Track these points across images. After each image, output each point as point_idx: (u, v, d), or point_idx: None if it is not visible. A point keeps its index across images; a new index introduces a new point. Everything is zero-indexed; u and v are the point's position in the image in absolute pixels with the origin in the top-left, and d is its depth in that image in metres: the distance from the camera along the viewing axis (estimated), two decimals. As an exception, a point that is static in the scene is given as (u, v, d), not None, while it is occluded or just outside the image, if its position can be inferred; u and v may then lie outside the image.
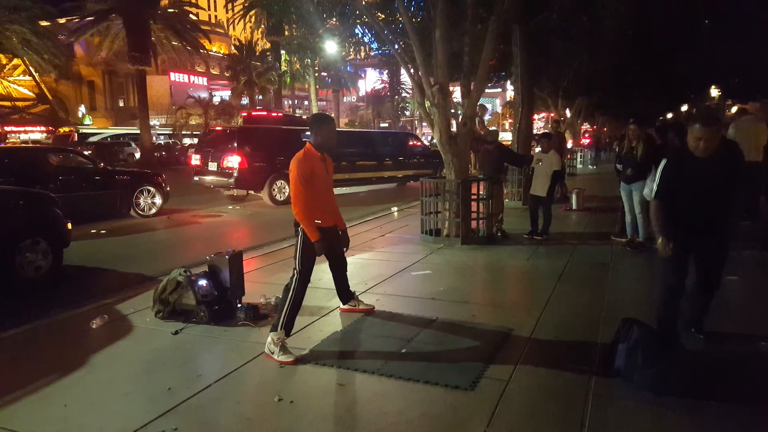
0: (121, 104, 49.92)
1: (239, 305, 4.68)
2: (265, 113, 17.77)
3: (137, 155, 29.86)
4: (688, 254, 3.65)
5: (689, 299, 3.88)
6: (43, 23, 31.98)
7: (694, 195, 3.51)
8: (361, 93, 61.12)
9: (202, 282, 4.60)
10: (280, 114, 18.91)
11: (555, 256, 6.96)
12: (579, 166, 22.01)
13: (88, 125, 40.39)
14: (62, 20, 35.92)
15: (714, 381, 3.36)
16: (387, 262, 6.69)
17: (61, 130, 33.04)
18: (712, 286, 3.82)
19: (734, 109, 17.93)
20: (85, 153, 15.59)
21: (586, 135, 32.54)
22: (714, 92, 29.91)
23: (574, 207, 10.97)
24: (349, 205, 12.34)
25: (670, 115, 37.41)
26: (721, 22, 18.01)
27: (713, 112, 4.03)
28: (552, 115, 21.25)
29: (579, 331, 4.27)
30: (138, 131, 30.62)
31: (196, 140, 34.41)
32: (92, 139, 31.24)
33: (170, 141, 36.56)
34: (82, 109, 45.05)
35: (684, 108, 38.34)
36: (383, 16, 9.81)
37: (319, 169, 4.01)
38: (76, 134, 31.33)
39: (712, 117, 3.38)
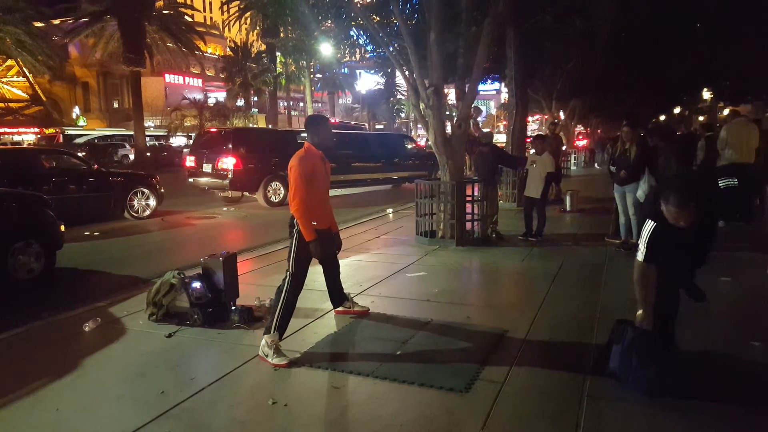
0: (116, 105, 49.74)
1: (233, 308, 4.66)
2: (334, 121, 21.06)
3: (131, 156, 29.73)
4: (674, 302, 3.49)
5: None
6: (38, 24, 31.84)
7: (675, 259, 3.39)
8: (358, 91, 61.19)
9: (196, 284, 4.58)
10: (336, 121, 22.60)
11: (549, 258, 6.97)
12: (573, 167, 22.11)
13: (81, 126, 40.22)
14: (56, 21, 35.82)
15: (707, 382, 3.37)
16: (382, 264, 6.68)
17: (47, 131, 32.85)
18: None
19: (726, 111, 18.04)
20: (78, 154, 15.48)
21: (580, 137, 32.68)
22: (706, 94, 30.08)
23: (568, 208, 11.00)
24: (344, 206, 12.33)
25: (663, 117, 37.58)
26: (713, 25, 18.11)
27: (685, 187, 3.69)
28: (546, 117, 21.33)
29: (573, 332, 4.28)
30: (128, 133, 30.51)
31: (185, 142, 34.38)
32: (78, 140, 31.02)
33: (156, 143, 35.91)
34: (77, 110, 44.86)
35: (677, 110, 38.53)
36: (378, 19, 9.83)
37: (319, 169, 4.01)
38: (61, 135, 31.13)
39: (685, 197, 3.15)
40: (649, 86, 21.97)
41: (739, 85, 24.94)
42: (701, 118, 34.48)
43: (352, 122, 31.76)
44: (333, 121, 18.29)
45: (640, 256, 3.39)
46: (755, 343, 3.97)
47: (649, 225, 3.38)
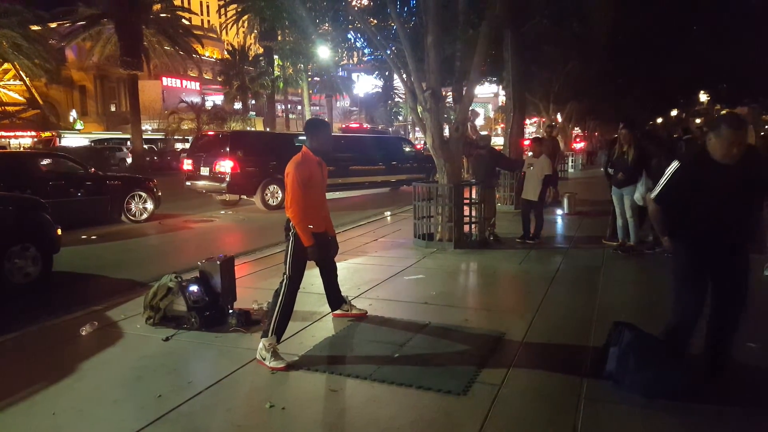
0: (113, 109, 49.59)
1: (231, 311, 4.65)
2: (358, 125, 25.67)
3: (129, 160, 29.62)
4: (704, 270, 3.29)
5: (712, 321, 3.42)
6: (34, 27, 31.80)
7: (712, 204, 3.16)
8: (356, 94, 61.30)
9: (193, 288, 4.57)
10: (367, 126, 26.07)
11: (547, 260, 6.98)
12: (571, 170, 22.16)
13: (79, 130, 40.10)
14: (53, 25, 35.75)
15: (704, 383, 3.37)
16: (380, 267, 6.68)
17: (43, 134, 32.72)
18: (737, 302, 3.33)
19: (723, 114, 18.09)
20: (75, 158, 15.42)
21: (577, 139, 32.77)
22: (703, 97, 30.18)
23: (566, 211, 11.02)
24: (342, 209, 12.34)
25: (660, 120, 37.68)
26: (709, 29, 18.20)
27: (737, 114, 3.62)
28: (544, 119, 21.38)
29: (571, 334, 4.28)
30: (126, 136, 30.43)
31: (182, 145, 34.15)
32: (73, 144, 30.87)
33: (144, 147, 35.32)
34: (74, 113, 44.76)
35: (674, 113, 38.62)
36: (375, 22, 9.83)
37: (316, 174, 4.02)
38: (57, 139, 31.01)
39: (740, 120, 3.09)
40: (646, 89, 22.04)
41: (736, 88, 25.02)
42: (698, 121, 34.61)
43: (380, 127, 32.96)
44: (362, 126, 18.63)
45: (653, 193, 3.35)
46: (752, 344, 3.97)
47: (674, 164, 3.25)
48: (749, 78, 21.72)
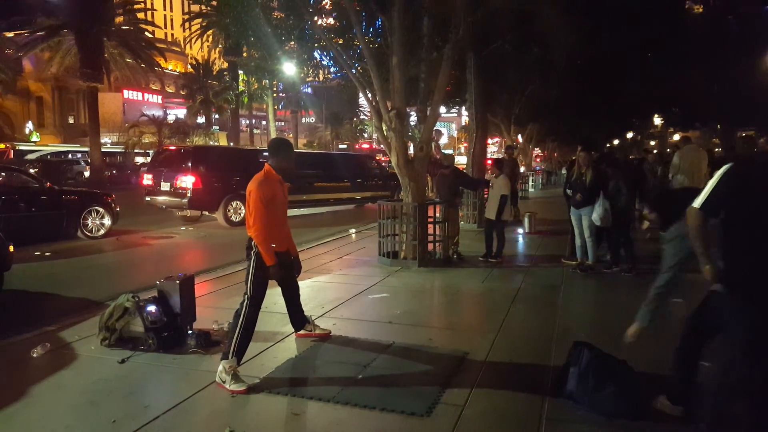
0: (71, 121, 48.27)
1: (190, 332, 4.55)
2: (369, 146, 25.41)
3: (87, 173, 28.77)
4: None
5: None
6: (-10, 37, 30.82)
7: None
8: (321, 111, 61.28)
9: (151, 308, 4.45)
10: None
11: (509, 279, 7.08)
12: (531, 189, 22.63)
13: (35, 142, 38.81)
14: (10, 34, 34.67)
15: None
16: (344, 285, 6.66)
17: None
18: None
19: (677, 137, 18.84)
20: (30, 171, 14.93)
21: (537, 159, 33.55)
22: (657, 120, 31.36)
23: (526, 230, 11.22)
24: (306, 226, 12.25)
25: (616, 142, 38.94)
26: (662, 56, 19.04)
27: None
28: (505, 140, 21.81)
29: (532, 353, 4.34)
30: (84, 149, 29.56)
31: (142, 159, 33.35)
32: (30, 156, 29.83)
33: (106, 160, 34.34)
34: (30, 125, 43.36)
35: (629, 135, 39.98)
36: (341, 41, 9.91)
37: (279, 193, 4.01)
38: (12, 151, 29.91)
39: None
40: (603, 112, 22.78)
41: (687, 112, 26.10)
42: (653, 143, 35.90)
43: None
44: (372, 146, 18.64)
45: (697, 202, 2.74)
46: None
47: (725, 167, 2.67)
48: (699, 103, 22.72)
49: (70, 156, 31.21)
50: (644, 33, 15.74)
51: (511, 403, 3.48)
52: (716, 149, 24.83)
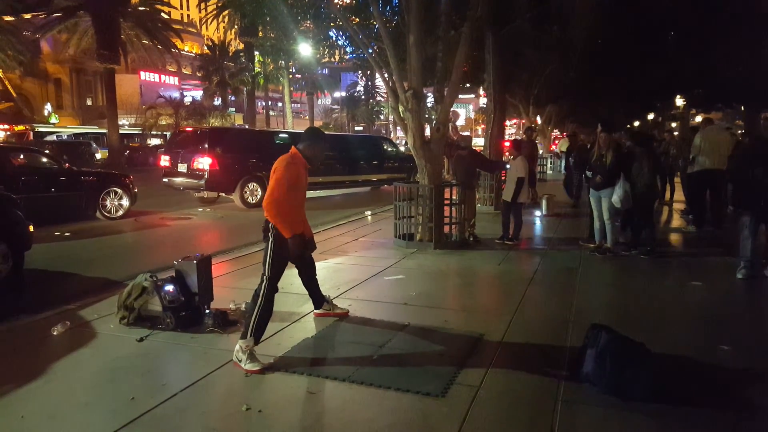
0: (89, 103, 48.67)
1: (207, 311, 4.59)
2: None
3: (98, 156, 29.03)
4: None
5: None
6: (8, 18, 30.98)
7: None
8: (336, 95, 61.04)
9: (169, 287, 4.49)
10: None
11: (525, 261, 7.03)
12: (549, 172, 22.39)
13: (54, 124, 39.25)
14: (28, 16, 34.85)
15: (680, 386, 3.42)
16: (360, 267, 6.66)
17: (16, 128, 31.89)
18: None
19: (699, 118, 18.44)
20: (48, 152, 15.10)
21: (557, 142, 33.13)
22: (679, 101, 30.65)
23: (544, 212, 11.12)
24: (323, 208, 12.27)
25: (637, 123, 38.24)
26: (685, 36, 18.56)
27: None
28: (524, 121, 21.55)
29: (548, 335, 4.31)
30: (102, 130, 29.82)
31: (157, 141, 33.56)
32: (49, 138, 30.20)
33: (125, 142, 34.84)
34: (48, 107, 43.81)
35: (651, 116, 39.22)
36: (357, 20, 9.80)
37: (303, 176, 4.00)
38: (31, 133, 30.28)
39: None
40: (624, 93, 22.36)
41: (710, 93, 25.49)
42: (674, 125, 35.22)
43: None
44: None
45: None
46: (724, 347, 4.05)
47: None
48: (722, 83, 22.15)
49: (81, 138, 31.50)
50: (666, 12, 15.35)
51: (527, 384, 3.45)
52: (738, 131, 24.30)
